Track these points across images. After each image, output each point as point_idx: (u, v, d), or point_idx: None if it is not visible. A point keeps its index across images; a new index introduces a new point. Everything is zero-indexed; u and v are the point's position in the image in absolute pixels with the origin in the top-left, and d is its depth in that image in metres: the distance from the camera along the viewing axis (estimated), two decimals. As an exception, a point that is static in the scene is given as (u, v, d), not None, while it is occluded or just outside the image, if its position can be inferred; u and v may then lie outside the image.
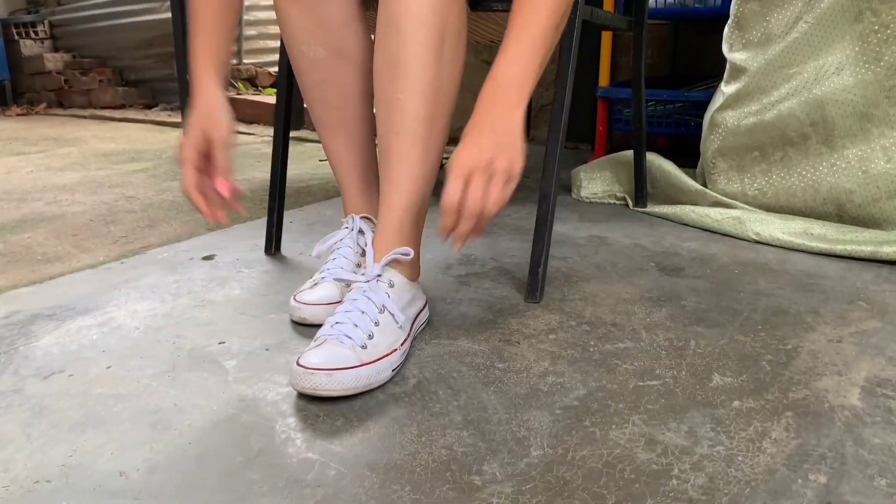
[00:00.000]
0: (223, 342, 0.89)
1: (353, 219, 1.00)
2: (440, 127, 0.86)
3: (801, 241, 1.18)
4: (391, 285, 0.85)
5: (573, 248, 1.25)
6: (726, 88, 1.30)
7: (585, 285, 1.06)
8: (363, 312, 0.81)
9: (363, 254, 0.97)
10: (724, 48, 1.30)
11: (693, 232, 1.32)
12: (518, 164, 0.78)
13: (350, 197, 1.03)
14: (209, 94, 0.88)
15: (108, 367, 0.83)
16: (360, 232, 0.99)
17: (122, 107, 4.07)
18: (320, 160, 2.42)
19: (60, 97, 4.37)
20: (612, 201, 1.55)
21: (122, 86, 4.21)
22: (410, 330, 0.86)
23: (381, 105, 0.86)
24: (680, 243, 1.26)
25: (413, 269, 0.89)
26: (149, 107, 4.08)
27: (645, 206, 1.47)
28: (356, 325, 0.79)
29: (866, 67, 1.15)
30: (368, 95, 0.99)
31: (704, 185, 1.39)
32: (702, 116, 1.58)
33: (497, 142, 0.77)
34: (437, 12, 0.81)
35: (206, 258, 1.23)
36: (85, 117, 3.90)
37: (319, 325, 0.83)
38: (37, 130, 3.42)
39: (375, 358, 0.79)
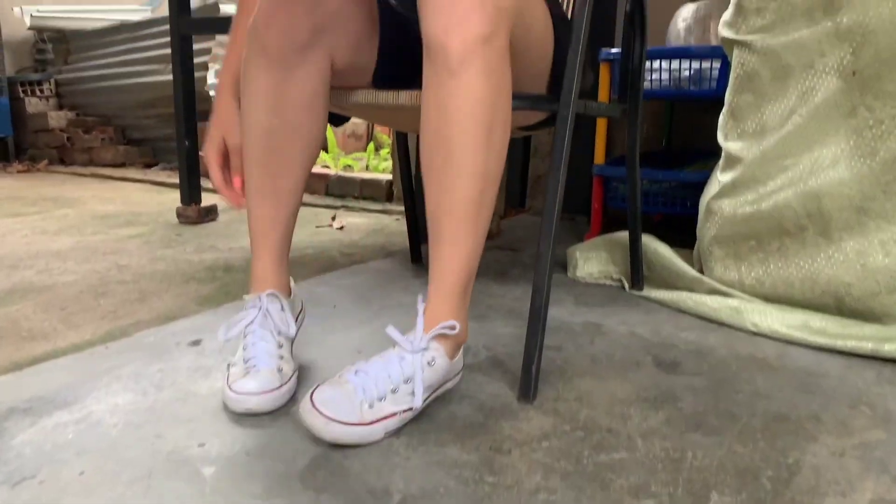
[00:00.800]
0: (203, 444, 0.86)
1: (260, 299, 1.00)
2: (488, 205, 0.89)
3: (801, 334, 1.16)
4: (431, 363, 0.88)
5: (568, 336, 1.22)
6: (722, 177, 1.29)
7: (580, 382, 1.03)
8: (389, 376, 0.85)
9: (278, 332, 0.99)
10: (720, 136, 1.30)
11: (690, 320, 1.29)
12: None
13: (262, 266, 1.03)
14: (227, 107, 1.05)
15: (82, 473, 0.80)
16: (268, 312, 0.99)
17: (122, 165, 4.09)
18: (317, 226, 2.41)
19: (62, 154, 4.40)
20: (608, 282, 1.53)
21: (124, 144, 4.25)
22: (424, 401, 0.88)
23: (431, 185, 0.87)
24: (677, 332, 1.23)
25: (456, 345, 0.92)
26: (149, 165, 4.10)
27: (641, 290, 1.45)
28: (375, 385, 0.84)
29: (861, 161, 1.14)
30: (306, 169, 1.02)
31: (701, 270, 1.38)
32: (697, 196, 1.58)
33: None
34: (488, 105, 0.82)
35: (192, 343, 1.21)
36: (85, 175, 3.92)
37: (268, 412, 0.91)
38: (36, 189, 3.42)
39: (374, 419, 0.84)
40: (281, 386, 0.93)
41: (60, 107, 4.61)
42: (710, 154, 1.30)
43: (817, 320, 1.18)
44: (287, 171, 1.00)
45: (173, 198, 2.95)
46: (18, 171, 4.17)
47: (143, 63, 4.06)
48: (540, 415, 0.93)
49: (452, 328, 0.89)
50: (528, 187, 2.44)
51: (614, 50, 1.74)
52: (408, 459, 0.82)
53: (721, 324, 1.26)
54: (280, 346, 0.98)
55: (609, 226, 1.96)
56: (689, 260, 1.52)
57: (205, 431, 0.89)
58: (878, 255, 1.15)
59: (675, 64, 1.63)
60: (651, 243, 1.47)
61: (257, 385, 0.92)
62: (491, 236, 2.04)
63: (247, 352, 0.98)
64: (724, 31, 1.26)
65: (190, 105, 2.48)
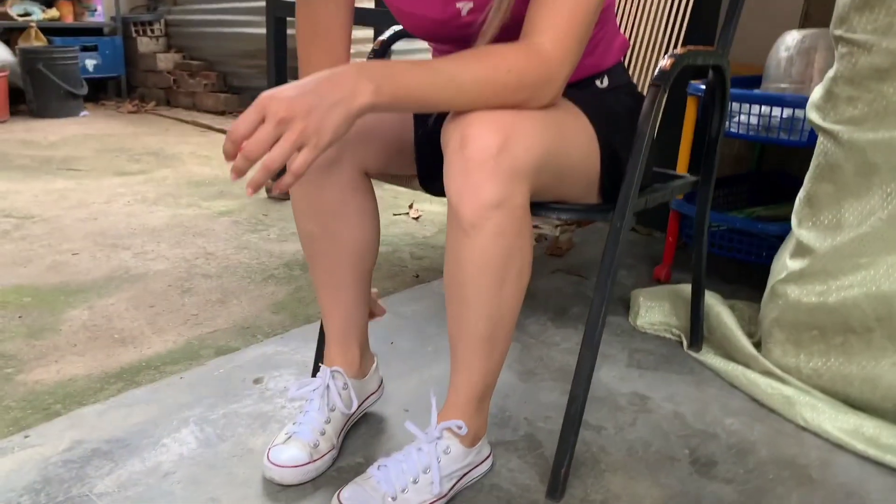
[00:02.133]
0: (251, 516, 0.96)
1: (325, 372, 1.09)
2: (502, 337, 0.93)
3: (850, 440, 1.14)
4: (447, 451, 0.96)
5: (611, 412, 1.24)
6: (791, 262, 1.25)
7: (611, 479, 1.06)
8: (408, 467, 0.94)
9: (332, 409, 1.07)
10: (793, 221, 1.25)
11: (740, 400, 1.28)
12: (319, 140, 0.72)
13: (330, 346, 1.12)
14: None
15: (145, 539, 0.91)
16: (328, 387, 1.08)
17: (223, 113, 4.25)
18: (395, 213, 2.47)
19: (168, 95, 4.61)
20: (667, 335, 1.52)
21: (225, 91, 4.39)
22: (452, 488, 0.97)
23: (450, 314, 0.93)
24: (723, 418, 1.23)
25: (473, 437, 0.98)
26: (247, 115, 4.24)
27: (699, 350, 1.44)
28: (395, 478, 0.93)
29: (942, 275, 1.08)
30: (355, 268, 1.06)
31: (759, 345, 1.35)
32: (769, 246, 1.52)
33: (318, 101, 0.72)
34: (499, 263, 0.85)
35: (256, 381, 1.31)
36: (187, 123, 4.10)
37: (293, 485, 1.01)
38: (142, 140, 3.62)
39: None
40: (309, 463, 1.02)
41: (169, 48, 4.78)
42: (800, 184, 1.21)
43: (871, 427, 1.15)
44: (335, 271, 1.04)
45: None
46: (129, 111, 4.41)
47: (245, 13, 4.14)
48: (563, 520, 0.97)
49: (459, 427, 0.95)
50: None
51: (703, 86, 1.66)
52: (428, 565, 0.89)
53: (771, 410, 1.25)
54: (328, 422, 1.06)
55: (683, 260, 1.92)
56: (754, 318, 1.49)
57: (252, 502, 0.98)
58: (947, 371, 1.10)
59: (765, 109, 1.55)
60: (715, 306, 1.45)
61: (287, 458, 1.01)
62: (560, 254, 2.04)
63: (296, 420, 1.07)
64: (812, 115, 1.19)
65: (281, 62, 2.55)
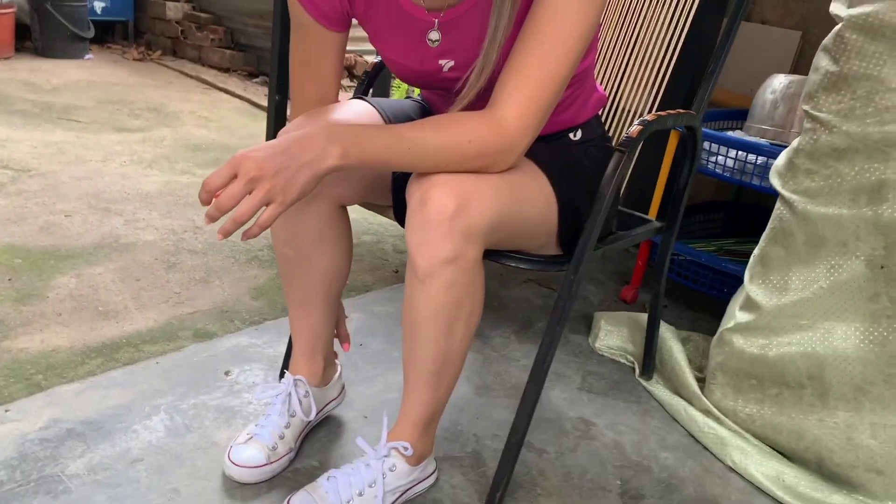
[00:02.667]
0: (208, 510, 1.04)
1: (289, 380, 1.17)
2: (450, 373, 1.01)
3: (771, 485, 1.23)
4: (392, 469, 1.05)
5: (556, 435, 1.33)
6: (740, 314, 1.32)
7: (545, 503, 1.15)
8: (355, 481, 1.02)
9: (292, 415, 1.16)
10: (746, 276, 1.32)
11: (678, 435, 1.37)
12: (285, 198, 0.79)
13: (296, 356, 1.19)
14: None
15: (108, 524, 1.00)
16: (290, 395, 1.16)
17: (227, 70, 4.26)
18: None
19: (175, 46, 4.60)
20: (622, 360, 1.60)
21: (231, 48, 4.39)
22: (395, 502, 1.07)
23: (405, 343, 1.00)
24: (659, 452, 1.32)
25: (419, 458, 1.07)
26: (251, 75, 4.25)
27: (649, 379, 1.52)
28: (342, 488, 1.02)
29: (871, 347, 1.16)
30: (326, 291, 1.13)
31: (703, 383, 1.43)
32: (734, 287, 1.59)
33: (287, 162, 0.78)
34: (449, 311, 0.92)
35: (227, 373, 1.38)
36: (191, 77, 4.11)
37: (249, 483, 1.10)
38: (144, 92, 3.64)
39: None
40: (266, 465, 1.10)
41: (179, -4, 4.76)
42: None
43: (791, 475, 1.24)
44: (308, 292, 1.11)
45: (264, 128, 3.09)
46: (134, 59, 4.41)
47: (258, -28, 4.12)
48: (492, 540, 1.06)
49: (406, 448, 1.04)
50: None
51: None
52: (363, 574, 0.98)
53: (705, 447, 1.33)
54: (287, 427, 1.14)
55: (652, 283, 1.99)
56: (707, 352, 1.57)
57: (214, 497, 1.07)
58: (866, 434, 1.19)
59: (741, 153, 1.61)
60: (669, 340, 1.53)
61: (246, 458, 1.10)
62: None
63: (258, 422, 1.15)
64: (774, 180, 1.25)
65: (286, 28, 2.55)
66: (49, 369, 1.36)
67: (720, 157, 1.66)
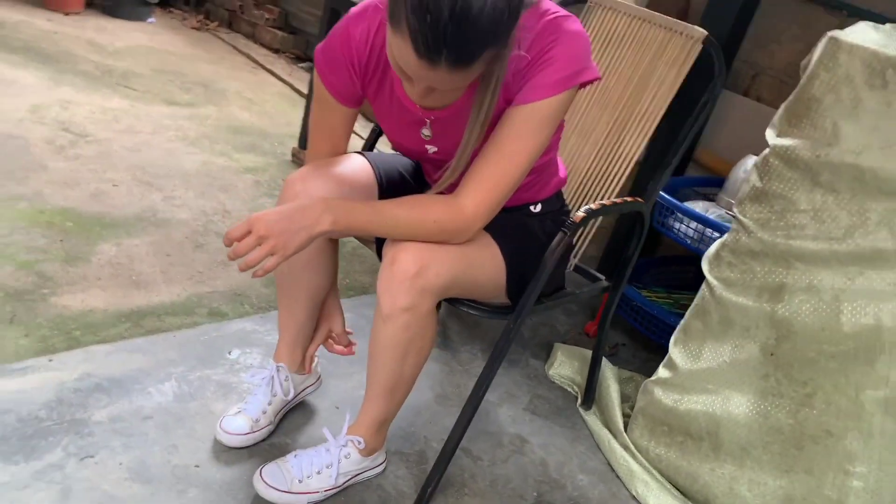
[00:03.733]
0: (198, 465, 1.32)
1: (272, 366, 1.44)
2: (400, 391, 1.27)
3: (662, 517, 1.47)
4: (347, 456, 1.32)
5: (492, 447, 1.58)
6: (661, 369, 1.56)
7: (468, 502, 1.41)
8: (316, 461, 1.28)
9: (274, 395, 1.43)
10: (671, 340, 1.55)
11: (598, 462, 1.61)
12: (284, 252, 1.04)
13: (280, 346, 1.45)
14: None
15: (120, 464, 1.27)
16: (273, 378, 1.43)
17: (276, 51, 4.51)
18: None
19: (231, 19, 4.87)
20: (569, 389, 1.85)
21: (283, 29, 4.64)
22: (344, 484, 1.32)
23: (368, 363, 1.25)
24: (577, 474, 1.56)
25: (370, 451, 1.33)
26: (298, 59, 4.50)
27: (589, 408, 1.76)
28: (305, 466, 1.28)
29: (757, 417, 1.39)
30: (310, 301, 1.38)
31: (627, 419, 1.67)
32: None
33: (289, 225, 1.04)
34: (403, 346, 1.18)
35: (230, 353, 1.65)
36: (242, 53, 4.37)
37: (234, 448, 1.38)
38: (197, 65, 3.91)
39: (301, 491, 1.28)
40: (249, 433, 1.38)
41: (242, -29, 5.00)
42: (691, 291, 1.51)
43: (681, 511, 1.48)
44: (296, 299, 1.37)
45: (300, 117, 3.33)
46: (192, 27, 4.68)
47: (318, -37, 4.34)
48: (417, 525, 1.32)
49: (359, 442, 1.30)
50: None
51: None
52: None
53: (617, 476, 1.58)
54: (269, 404, 1.41)
55: (617, 321, 2.22)
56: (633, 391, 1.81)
57: (204, 455, 1.34)
58: (744, 487, 1.42)
59: (699, 225, 1.82)
60: (608, 378, 1.77)
61: (235, 427, 1.37)
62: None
63: (247, 398, 1.42)
64: (704, 265, 1.47)
65: (334, 19, 2.80)
66: (86, 327, 1.64)
67: (682, 226, 1.88)
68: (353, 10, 1.17)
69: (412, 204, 1.12)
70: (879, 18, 1.73)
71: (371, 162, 1.34)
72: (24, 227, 1.97)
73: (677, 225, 1.91)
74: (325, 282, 1.38)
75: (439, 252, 1.12)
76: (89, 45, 3.73)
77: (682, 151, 1.50)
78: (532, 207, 1.34)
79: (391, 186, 1.34)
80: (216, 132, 3.05)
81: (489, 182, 1.11)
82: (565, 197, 1.68)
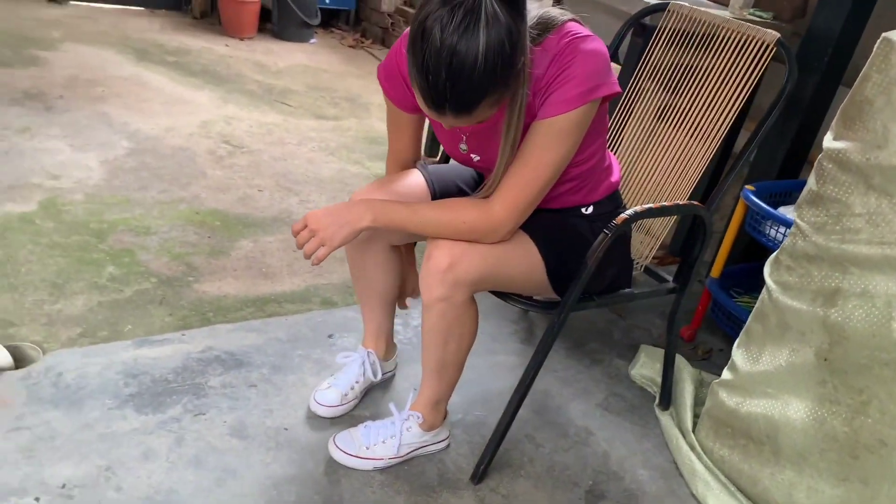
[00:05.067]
0: (287, 428, 1.55)
1: (362, 351, 1.63)
2: (448, 374, 1.43)
3: (719, 518, 1.49)
4: (409, 430, 1.49)
5: (557, 436, 1.67)
6: (726, 372, 1.56)
7: (522, 484, 1.52)
8: (381, 432, 1.47)
9: (363, 374, 1.62)
10: (736, 341, 1.55)
11: (663, 460, 1.65)
12: (331, 244, 1.24)
13: (366, 336, 1.65)
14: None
15: (224, 422, 1.53)
16: (362, 361, 1.63)
17: (421, 64, 4.80)
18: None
19: (384, 36, 5.24)
20: (649, 389, 1.88)
21: (429, 44, 4.92)
22: (407, 454, 1.49)
23: (421, 342, 1.41)
24: (639, 468, 1.61)
25: (430, 426, 1.50)
26: (441, 70, 4.76)
27: (666, 408, 1.79)
28: (372, 435, 1.47)
29: (813, 423, 1.37)
30: (382, 299, 1.57)
31: (697, 420, 1.68)
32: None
33: (335, 221, 1.24)
34: (444, 330, 1.33)
35: (330, 336, 1.88)
36: (390, 68, 4.71)
37: (326, 417, 1.60)
38: (347, 81, 4.28)
39: (367, 457, 1.47)
40: (338, 405, 1.58)
41: (396, -10, 5.37)
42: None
43: (739, 514, 1.49)
44: (370, 297, 1.56)
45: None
46: (349, 46, 5.11)
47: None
48: (470, 496, 1.45)
49: (418, 418, 1.46)
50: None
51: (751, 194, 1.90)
52: (371, 489, 1.42)
53: (680, 475, 1.61)
54: (357, 382, 1.61)
55: (712, 327, 2.20)
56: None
57: (294, 420, 1.57)
58: (802, 494, 1.41)
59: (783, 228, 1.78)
60: (683, 381, 1.79)
61: (325, 399, 1.59)
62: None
63: (337, 375, 1.63)
64: (766, 268, 1.47)
65: None
66: (218, 310, 1.94)
67: (773, 231, 1.85)
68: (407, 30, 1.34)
69: (447, 206, 1.26)
70: None
71: (428, 178, 1.49)
72: (181, 225, 2.34)
73: (770, 231, 1.88)
74: (392, 284, 1.55)
75: (470, 249, 1.25)
76: (256, 67, 4.22)
77: (747, 156, 1.51)
78: (584, 210, 1.43)
79: (445, 197, 1.49)
80: (354, 143, 3.36)
81: (516, 189, 1.23)
82: (632, 201, 1.74)
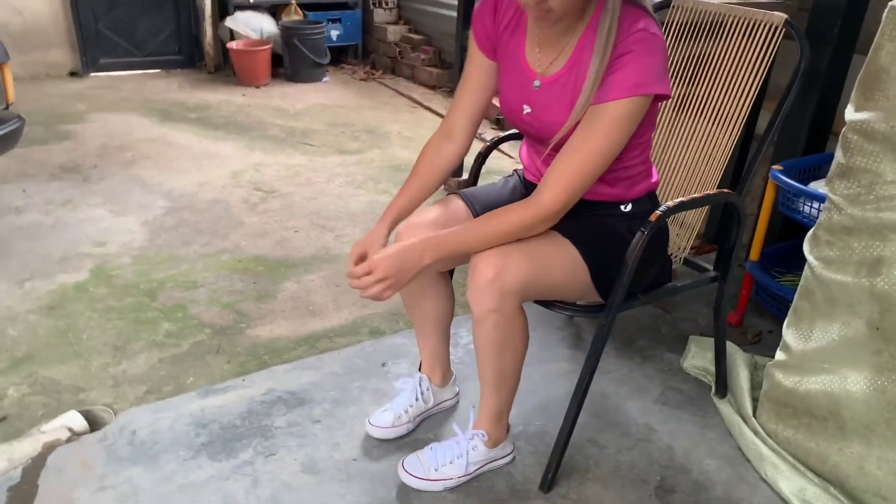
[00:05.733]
0: (355, 459, 1.59)
1: (417, 376, 1.67)
2: (507, 386, 1.46)
3: (792, 498, 1.49)
4: (474, 448, 1.52)
5: (619, 436, 1.69)
6: (779, 353, 1.57)
7: (591, 487, 1.54)
8: (448, 452, 1.51)
9: (416, 399, 1.67)
10: (785, 322, 1.56)
11: (728, 447, 1.65)
12: (399, 287, 1.30)
13: (422, 362, 1.70)
14: (377, 233, 1.47)
15: (295, 459, 1.58)
16: (416, 387, 1.67)
17: (433, 87, 4.88)
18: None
19: (394, 64, 5.33)
20: (704, 379, 1.89)
21: (439, 66, 5.00)
22: (475, 472, 1.52)
23: (476, 357, 1.44)
24: (704, 458, 1.62)
25: (494, 442, 1.53)
26: (452, 92, 4.83)
27: (724, 396, 1.80)
28: (439, 457, 1.50)
29: (875, 393, 1.37)
30: (436, 326, 1.61)
31: (756, 404, 1.69)
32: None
33: (402, 267, 1.28)
34: (498, 341, 1.36)
35: (383, 364, 1.93)
36: (403, 96, 4.79)
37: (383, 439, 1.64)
38: (364, 114, 4.37)
39: (436, 478, 1.51)
40: (389, 427, 1.63)
41: (399, 18, 5.47)
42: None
43: (812, 492, 1.48)
44: (424, 326, 1.61)
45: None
46: (360, 79, 5.21)
47: None
48: (542, 505, 1.48)
49: (482, 435, 1.50)
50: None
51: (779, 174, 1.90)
52: (445, 514, 1.46)
53: (747, 460, 1.61)
54: (410, 407, 1.65)
55: (758, 309, 2.20)
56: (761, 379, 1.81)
57: (361, 451, 1.61)
58: (873, 465, 1.41)
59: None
60: (737, 366, 1.79)
61: (379, 421, 1.63)
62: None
63: (394, 399, 1.67)
64: (805, 247, 1.48)
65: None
66: (272, 352, 2.00)
67: (807, 208, 1.85)
68: None
69: (493, 216, 1.30)
70: None
71: (467, 200, 1.53)
72: (226, 275, 2.42)
73: (804, 208, 1.88)
74: (443, 310, 1.60)
75: (512, 257, 1.29)
76: (275, 112, 4.33)
77: (772, 137, 1.53)
78: (623, 207, 1.45)
79: None
80: (380, 173, 3.43)
81: (565, 175, 1.27)
82: (664, 196, 1.76)
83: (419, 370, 1.71)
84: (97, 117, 4.06)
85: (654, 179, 1.49)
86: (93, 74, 4.95)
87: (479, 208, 1.52)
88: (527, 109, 1.38)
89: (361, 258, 1.45)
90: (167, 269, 2.44)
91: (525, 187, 1.57)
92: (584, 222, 1.40)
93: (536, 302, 1.43)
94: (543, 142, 1.40)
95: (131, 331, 2.08)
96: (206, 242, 2.64)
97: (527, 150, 1.54)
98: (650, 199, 1.49)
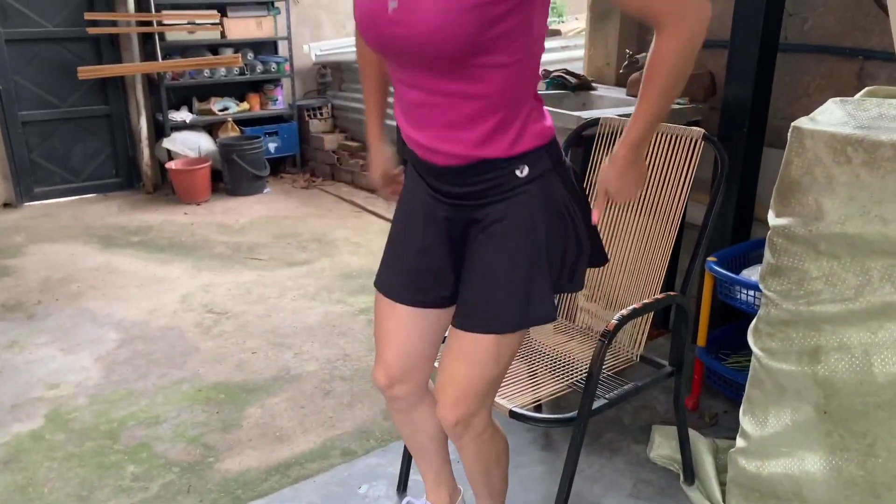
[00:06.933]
0: None
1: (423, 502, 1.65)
2: (502, 491, 1.52)
3: (770, 582, 1.55)
4: None
5: (599, 536, 1.73)
6: (738, 439, 1.66)
7: (578, 593, 1.56)
8: None
9: None
10: (741, 409, 1.66)
11: (703, 536, 1.72)
12: (633, 197, 1.29)
13: (426, 486, 1.67)
14: (381, 152, 1.53)
15: None
16: None
17: (375, 191, 5.01)
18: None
19: (333, 171, 5.47)
20: (672, 468, 1.96)
21: (377, 170, 5.15)
22: None
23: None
24: (682, 550, 1.68)
25: None
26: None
27: (692, 483, 1.87)
28: None
29: (831, 473, 1.46)
30: (433, 442, 1.59)
31: (724, 488, 1.76)
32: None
33: (628, 184, 1.25)
34: (483, 461, 1.43)
35: (360, 488, 1.93)
36: (346, 201, 4.90)
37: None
38: (309, 222, 4.44)
39: None
40: None
41: (335, 127, 5.65)
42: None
43: (788, 574, 1.55)
44: (423, 449, 1.61)
45: (400, 253, 3.71)
46: (302, 187, 5.31)
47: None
48: None
49: None
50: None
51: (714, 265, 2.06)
52: None
53: (723, 548, 1.67)
54: None
55: (712, 392, 2.31)
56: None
57: (346, 583, 1.60)
58: (840, 542, 1.49)
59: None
60: (701, 452, 1.88)
61: None
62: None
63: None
64: (749, 338, 1.60)
65: None
66: (245, 485, 1.98)
67: (744, 295, 1.99)
68: None
69: (656, 73, 1.11)
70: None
71: (397, 289, 1.46)
72: (188, 406, 2.39)
73: (741, 296, 2.03)
74: (436, 426, 1.61)
75: (466, 396, 1.32)
76: (219, 228, 4.36)
77: (706, 241, 1.67)
78: (518, 172, 1.20)
79: (433, 281, 1.39)
80: (332, 282, 3.47)
81: None
82: (614, 296, 1.87)
83: (426, 499, 1.68)
84: (36, 249, 4.00)
85: (548, 122, 1.26)
86: (27, 204, 4.89)
87: (408, 278, 1.42)
88: (393, 5, 1.09)
89: (386, 178, 1.54)
90: (126, 406, 2.40)
91: (427, 183, 1.31)
92: (481, 265, 1.27)
93: (511, 415, 1.49)
94: (417, 63, 1.13)
95: (95, 478, 2.02)
96: (164, 373, 2.61)
97: (400, 104, 1.26)
98: (549, 153, 1.23)
